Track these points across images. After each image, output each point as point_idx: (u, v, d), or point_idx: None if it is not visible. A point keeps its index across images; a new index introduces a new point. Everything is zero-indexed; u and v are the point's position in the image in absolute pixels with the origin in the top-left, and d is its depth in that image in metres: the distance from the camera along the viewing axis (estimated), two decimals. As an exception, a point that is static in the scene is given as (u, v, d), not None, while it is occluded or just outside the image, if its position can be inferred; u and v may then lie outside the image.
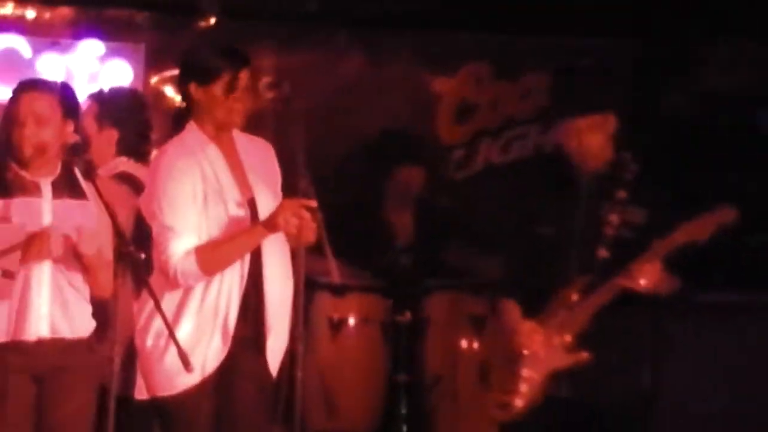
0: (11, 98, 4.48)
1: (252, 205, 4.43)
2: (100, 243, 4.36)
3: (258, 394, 4.40)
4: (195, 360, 4.22)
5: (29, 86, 4.50)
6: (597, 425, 4.58)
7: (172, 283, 4.34)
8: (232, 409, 4.39)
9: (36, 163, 4.41)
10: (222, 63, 4.44)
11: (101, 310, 4.52)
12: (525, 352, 4.62)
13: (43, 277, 4.37)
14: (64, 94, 4.50)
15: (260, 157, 4.50)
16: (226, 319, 4.39)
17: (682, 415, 5.65)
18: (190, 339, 4.31)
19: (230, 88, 4.45)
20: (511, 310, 4.73)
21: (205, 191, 4.39)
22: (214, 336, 4.38)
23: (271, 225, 4.33)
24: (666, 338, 4.70)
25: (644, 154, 4.68)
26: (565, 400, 4.58)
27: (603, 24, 6.56)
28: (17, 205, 4.38)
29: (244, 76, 4.48)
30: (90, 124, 5.16)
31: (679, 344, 5.39)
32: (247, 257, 4.40)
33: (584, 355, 4.54)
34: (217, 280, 4.39)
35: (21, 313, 4.35)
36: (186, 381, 4.33)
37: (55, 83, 4.57)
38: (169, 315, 4.30)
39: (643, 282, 4.48)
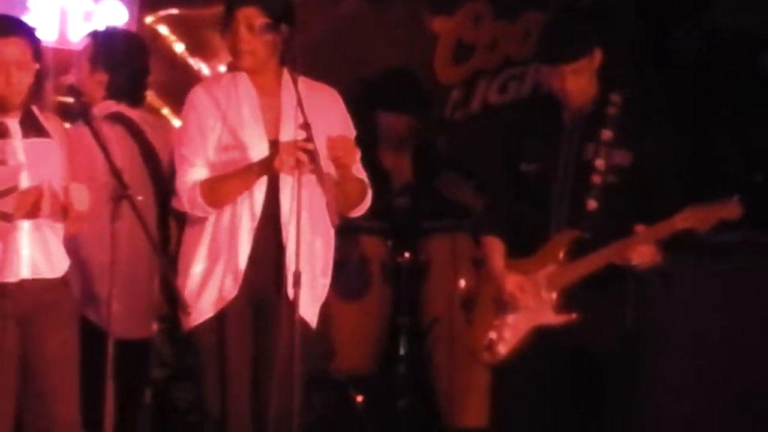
0: None
1: (274, 146, 4.43)
2: (86, 193, 4.33)
3: (283, 340, 4.36)
4: (207, 295, 4.42)
5: (2, 32, 4.41)
6: (586, 368, 4.58)
7: (186, 210, 4.48)
8: (262, 352, 4.47)
9: (13, 108, 4.39)
10: (226, 3, 4.45)
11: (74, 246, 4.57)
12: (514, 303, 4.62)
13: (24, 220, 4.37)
14: (32, 36, 4.45)
15: (313, 103, 4.43)
16: (235, 260, 4.42)
17: (673, 356, 5.65)
18: (201, 275, 4.45)
19: (227, 28, 4.50)
20: (495, 250, 4.72)
21: (224, 125, 4.45)
22: (226, 275, 4.44)
23: (265, 165, 4.37)
24: (658, 279, 4.68)
25: (644, 94, 4.65)
26: (555, 345, 4.57)
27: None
28: (4, 146, 4.36)
29: (241, 15, 4.45)
30: (84, 65, 5.12)
31: (674, 285, 5.37)
32: (260, 201, 4.42)
33: (573, 315, 4.54)
34: (226, 218, 4.45)
35: (3, 255, 4.34)
36: (197, 317, 4.46)
37: (22, 24, 4.52)
38: (187, 249, 4.49)
39: (635, 260, 4.46)
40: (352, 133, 4.61)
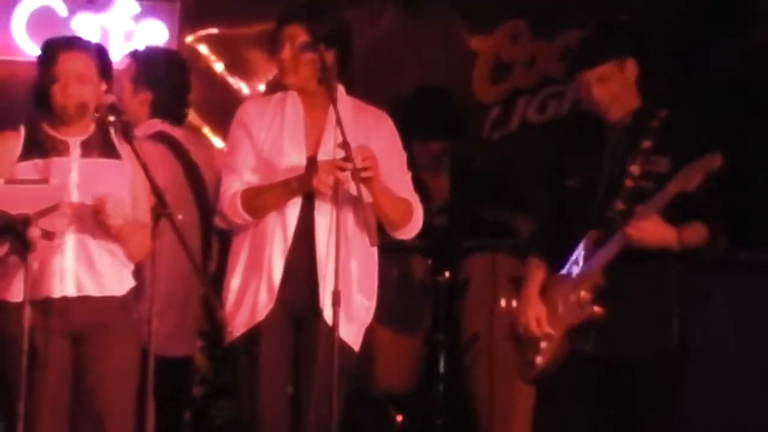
0: (46, 57, 4.48)
1: (311, 162, 4.46)
2: (127, 211, 4.36)
3: (321, 360, 4.37)
4: (243, 310, 4.46)
5: (66, 45, 4.50)
6: (627, 381, 4.56)
7: (223, 217, 4.53)
8: (302, 370, 4.48)
9: (71, 122, 4.43)
10: (276, 19, 4.52)
11: (140, 269, 4.56)
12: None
13: (67, 236, 4.39)
14: (99, 53, 4.51)
15: (360, 125, 4.48)
16: (269, 275, 4.44)
17: (712, 371, 5.63)
18: (237, 290, 4.50)
19: (273, 44, 4.55)
20: (534, 273, 4.74)
21: (266, 140, 4.50)
22: (260, 290, 4.46)
23: (304, 181, 4.39)
24: (699, 294, 4.66)
25: (676, 105, 4.64)
26: (595, 357, 4.56)
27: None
28: (45, 164, 4.40)
29: (287, 32, 4.49)
30: (126, 85, 5.14)
31: (715, 301, 5.35)
32: (294, 217, 4.44)
33: (597, 309, 4.53)
34: (262, 233, 4.48)
35: (44, 271, 4.37)
36: (234, 332, 4.49)
37: (89, 42, 4.57)
38: (228, 265, 4.55)
39: (637, 237, 4.44)
40: (403, 156, 4.61)
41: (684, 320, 4.55)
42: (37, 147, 4.43)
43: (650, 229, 4.46)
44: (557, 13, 6.86)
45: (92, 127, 4.48)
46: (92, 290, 4.41)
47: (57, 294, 4.39)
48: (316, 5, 4.58)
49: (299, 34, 4.50)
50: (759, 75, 6.33)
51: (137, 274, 4.54)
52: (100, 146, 4.46)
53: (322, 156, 4.45)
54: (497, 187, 6.63)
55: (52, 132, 4.44)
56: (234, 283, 4.52)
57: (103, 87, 4.46)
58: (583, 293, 4.56)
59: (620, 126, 4.63)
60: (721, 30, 6.50)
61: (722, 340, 5.78)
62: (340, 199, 4.33)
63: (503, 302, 6.14)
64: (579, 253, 4.60)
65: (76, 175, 4.41)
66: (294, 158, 4.48)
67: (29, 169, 4.39)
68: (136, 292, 4.51)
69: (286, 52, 4.52)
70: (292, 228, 4.46)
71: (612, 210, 4.55)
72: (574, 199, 4.64)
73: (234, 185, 4.51)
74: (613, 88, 4.59)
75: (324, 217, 4.42)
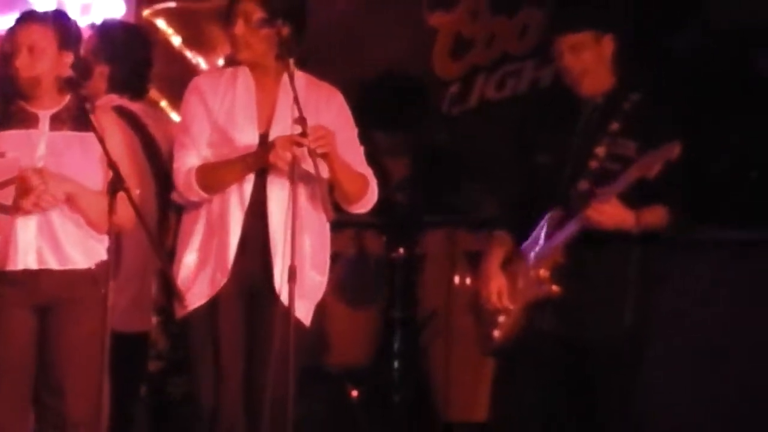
0: (8, 32, 4.47)
1: (263, 139, 4.44)
2: (70, 185, 4.34)
3: (274, 332, 4.36)
4: (198, 284, 4.44)
5: (24, 18, 4.48)
6: (584, 360, 4.60)
7: (179, 194, 4.51)
8: (255, 344, 4.46)
9: (35, 94, 4.42)
10: None
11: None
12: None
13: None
14: (60, 24, 4.46)
15: (311, 100, 4.46)
16: (224, 249, 4.43)
17: (668, 352, 5.67)
18: (193, 264, 4.47)
19: (228, 20, 4.51)
20: (498, 246, 4.75)
21: (218, 116, 4.48)
22: (216, 265, 4.45)
23: (260, 157, 4.39)
24: (655, 275, 4.69)
25: (645, 90, 4.65)
26: (553, 335, 4.59)
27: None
28: (13, 137, 4.39)
29: (240, 8, 4.47)
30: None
31: (670, 281, 5.39)
32: (248, 192, 4.43)
33: (554, 288, 4.56)
34: (216, 208, 4.47)
35: (6, 244, 4.36)
36: (189, 306, 4.47)
37: (46, 13, 4.53)
38: (181, 240, 4.53)
39: (596, 219, 4.47)
40: (354, 131, 4.61)
41: (641, 301, 4.59)
42: (8, 119, 4.42)
43: (609, 212, 4.48)
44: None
45: (66, 100, 4.45)
46: (53, 264, 4.40)
47: (19, 266, 4.37)
48: None
49: (253, 10, 4.47)
50: (718, 58, 6.36)
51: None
52: (72, 119, 4.43)
53: (275, 133, 4.44)
54: (457, 163, 6.64)
55: (23, 105, 4.43)
56: (189, 258, 4.50)
57: (67, 58, 4.43)
58: (542, 271, 4.59)
59: (592, 104, 4.65)
60: (679, 14, 6.53)
61: (680, 320, 5.83)
62: (295, 175, 4.32)
63: (457, 278, 6.17)
64: (541, 230, 4.62)
65: (43, 147, 4.39)
66: (246, 136, 4.47)
67: None
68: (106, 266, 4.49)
69: (239, 28, 4.49)
70: (246, 203, 4.45)
71: (576, 189, 4.58)
72: (542, 176, 4.66)
73: (189, 161, 4.49)
74: (586, 59, 4.60)
75: (277, 193, 4.41)
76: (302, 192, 4.42)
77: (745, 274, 5.98)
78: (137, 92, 5.16)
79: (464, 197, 6.49)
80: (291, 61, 4.41)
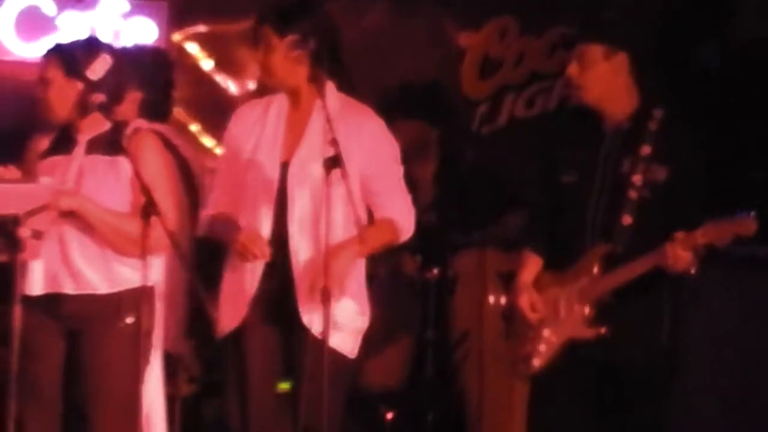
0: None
1: (284, 168, 4.42)
2: (74, 200, 4.37)
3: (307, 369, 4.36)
4: (229, 309, 4.44)
5: (43, 54, 4.58)
6: (620, 384, 4.58)
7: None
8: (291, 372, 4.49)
9: (59, 122, 4.49)
10: (255, 16, 4.48)
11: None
12: (542, 318, 4.64)
13: (52, 234, 4.42)
14: (63, 53, 4.51)
15: (342, 125, 4.38)
16: (253, 274, 4.42)
17: (706, 372, 5.64)
18: (224, 289, 4.48)
19: (253, 43, 4.50)
20: (529, 265, 4.74)
21: (247, 144, 4.47)
22: (240, 291, 4.44)
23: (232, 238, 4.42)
24: (690, 293, 4.67)
25: (672, 108, 4.64)
26: (588, 358, 4.58)
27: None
28: (53, 163, 4.47)
29: (261, 33, 4.44)
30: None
31: (706, 299, 5.36)
32: (270, 213, 4.41)
33: (603, 330, 4.53)
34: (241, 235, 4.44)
35: (32, 268, 4.41)
36: (222, 330, 4.48)
37: (54, 45, 4.60)
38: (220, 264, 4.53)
39: (671, 264, 4.43)
40: (389, 157, 4.52)
41: (677, 321, 4.57)
42: (54, 146, 4.51)
43: (684, 258, 4.40)
44: (545, 9, 6.87)
45: (107, 125, 4.49)
46: (69, 288, 4.42)
47: (39, 291, 4.40)
48: (289, 5, 4.50)
49: (270, 36, 4.43)
50: (744, 71, 6.34)
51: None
52: (108, 143, 4.46)
53: (297, 161, 4.41)
54: (486, 182, 6.64)
55: (67, 131, 4.51)
56: (223, 281, 4.52)
57: (76, 85, 4.45)
58: (587, 309, 4.57)
59: (618, 126, 4.62)
60: (704, 27, 6.52)
61: (714, 336, 5.79)
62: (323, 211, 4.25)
63: (492, 299, 6.16)
64: (586, 262, 4.59)
65: (74, 171, 4.44)
66: (269, 165, 4.43)
67: (43, 168, 4.46)
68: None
69: (259, 54, 4.47)
70: (267, 233, 4.41)
71: (619, 223, 4.55)
72: (568, 196, 4.64)
73: (208, 205, 4.56)
74: (596, 74, 4.58)
75: (297, 225, 4.40)
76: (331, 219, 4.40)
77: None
78: (164, 115, 5.19)
79: (494, 217, 6.48)
80: (325, 82, 4.38)
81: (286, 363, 4.48)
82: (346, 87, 4.52)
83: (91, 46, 4.58)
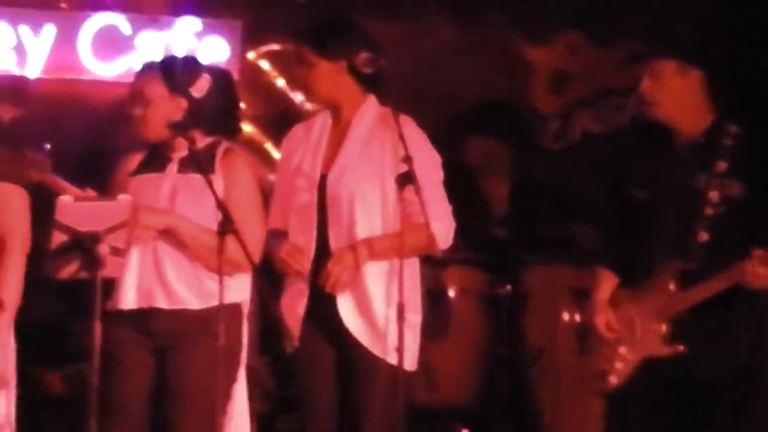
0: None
1: (322, 183, 4.46)
2: (169, 218, 4.40)
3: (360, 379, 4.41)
4: (292, 323, 4.45)
5: (140, 68, 4.59)
6: (699, 399, 4.55)
7: None
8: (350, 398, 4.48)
9: (154, 140, 4.50)
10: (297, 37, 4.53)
11: None
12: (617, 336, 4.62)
13: (141, 250, 4.44)
14: (166, 70, 4.53)
15: (376, 137, 4.43)
16: (302, 290, 4.45)
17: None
18: (284, 305, 4.50)
19: (295, 63, 4.53)
20: (604, 282, 4.71)
21: (293, 161, 4.52)
22: (298, 303, 4.47)
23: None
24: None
25: (747, 123, 4.61)
26: (666, 375, 4.54)
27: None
28: (143, 180, 4.50)
29: (304, 49, 4.47)
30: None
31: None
32: (313, 226, 4.44)
33: (680, 348, 4.51)
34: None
35: (120, 283, 4.42)
36: (291, 345, 4.44)
37: (152, 63, 4.61)
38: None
39: (750, 282, 4.40)
40: (428, 162, 4.49)
41: (755, 335, 4.53)
42: (146, 164, 4.53)
43: (763, 275, 4.37)
44: (614, 23, 6.86)
45: (202, 143, 4.52)
46: (162, 303, 4.43)
47: (131, 305, 4.43)
48: (325, 22, 4.54)
49: (308, 54, 4.46)
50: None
51: None
52: (198, 161, 4.44)
53: (334, 174, 4.43)
54: (559, 198, 6.63)
55: (160, 149, 4.53)
56: (284, 297, 4.55)
57: (181, 103, 4.48)
58: (664, 327, 4.55)
59: (691, 140, 4.60)
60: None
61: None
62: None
63: (566, 316, 6.14)
64: (661, 280, 4.58)
65: (166, 190, 4.48)
66: (309, 178, 4.47)
67: (133, 185, 4.48)
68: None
69: (302, 73, 4.51)
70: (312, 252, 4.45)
71: (695, 240, 4.54)
72: (640, 212, 4.63)
73: (269, 218, 4.58)
74: (669, 90, 4.56)
75: (335, 237, 4.43)
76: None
77: None
78: (234, 132, 5.24)
79: (565, 233, 6.46)
80: (369, 96, 4.44)
81: (342, 383, 4.48)
82: (387, 100, 4.48)
83: (194, 64, 4.62)
